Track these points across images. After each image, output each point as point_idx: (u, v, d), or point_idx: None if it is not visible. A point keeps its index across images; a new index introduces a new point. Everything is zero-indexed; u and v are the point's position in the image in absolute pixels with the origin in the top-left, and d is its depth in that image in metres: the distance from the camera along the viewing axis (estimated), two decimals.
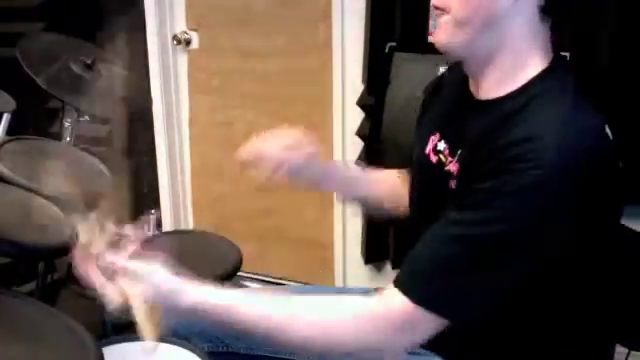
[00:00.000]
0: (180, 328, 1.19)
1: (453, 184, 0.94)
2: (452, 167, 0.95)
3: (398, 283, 0.89)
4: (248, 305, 0.93)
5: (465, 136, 0.95)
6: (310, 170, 1.19)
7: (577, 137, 0.84)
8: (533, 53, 0.92)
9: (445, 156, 1.00)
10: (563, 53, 0.98)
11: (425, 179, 1.06)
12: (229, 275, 1.68)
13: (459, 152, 0.95)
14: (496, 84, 0.93)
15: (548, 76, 0.91)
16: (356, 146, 2.18)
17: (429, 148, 1.05)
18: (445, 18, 0.92)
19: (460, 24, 0.91)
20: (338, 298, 0.97)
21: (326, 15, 2.20)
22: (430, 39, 1.67)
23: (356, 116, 2.15)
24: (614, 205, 0.92)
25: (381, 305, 0.89)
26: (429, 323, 0.87)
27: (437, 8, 0.93)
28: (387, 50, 1.96)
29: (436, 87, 1.17)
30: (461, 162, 0.94)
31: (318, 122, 2.34)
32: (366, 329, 0.89)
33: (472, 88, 1.00)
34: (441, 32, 0.93)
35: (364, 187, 1.28)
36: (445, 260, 0.87)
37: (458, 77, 1.05)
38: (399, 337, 0.89)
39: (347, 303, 0.93)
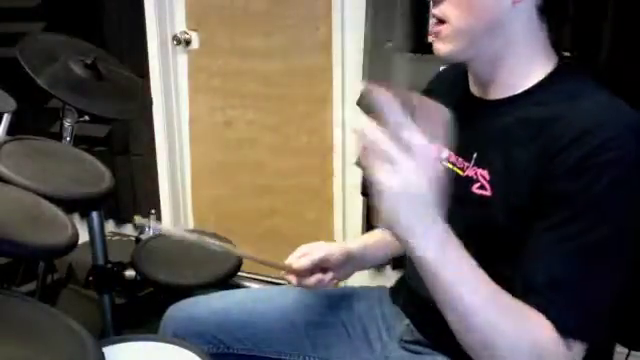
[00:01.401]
0: (180, 329, 1.20)
1: (480, 189, 0.92)
2: (472, 172, 0.95)
3: (564, 326, 0.81)
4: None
5: (480, 139, 0.95)
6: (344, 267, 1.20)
7: (628, 113, 0.85)
8: (538, 51, 0.93)
9: (453, 163, 0.99)
10: (565, 53, 0.98)
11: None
12: (229, 275, 1.68)
13: (475, 156, 0.95)
14: (506, 84, 0.94)
15: (563, 73, 0.92)
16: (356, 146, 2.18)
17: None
18: (446, 28, 0.92)
19: (461, 33, 0.91)
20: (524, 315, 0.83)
21: (326, 15, 2.20)
22: (430, 39, 1.67)
23: (356, 116, 2.15)
24: None
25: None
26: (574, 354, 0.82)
27: (436, 18, 0.93)
28: (387, 50, 1.96)
29: (427, 93, 1.17)
30: (489, 165, 0.92)
31: (318, 122, 2.34)
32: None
33: (476, 90, 1.00)
34: (442, 42, 0.93)
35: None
36: (581, 280, 0.82)
37: (455, 81, 1.05)
38: None
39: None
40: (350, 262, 1.20)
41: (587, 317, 0.82)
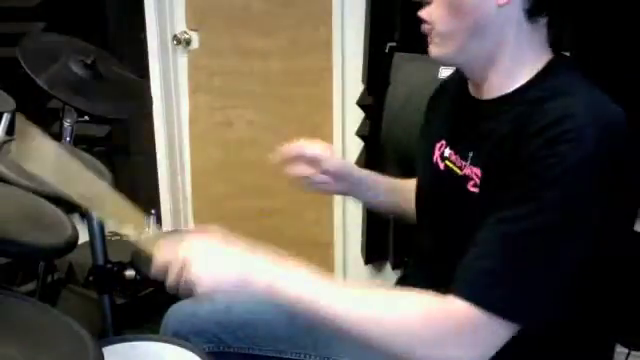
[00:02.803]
0: (180, 328, 1.20)
1: (474, 187, 0.93)
2: (468, 171, 0.95)
3: (459, 291, 0.84)
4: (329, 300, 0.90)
5: (475, 138, 0.95)
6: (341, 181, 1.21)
7: (607, 113, 0.85)
8: (530, 51, 0.93)
9: (453, 162, 1.00)
10: (564, 53, 0.98)
11: (437, 188, 1.05)
12: None
13: (471, 155, 0.95)
14: (499, 84, 0.94)
15: (554, 71, 0.92)
16: (356, 146, 2.18)
17: (436, 156, 1.05)
18: (433, 31, 0.94)
19: (446, 36, 0.93)
20: (399, 295, 0.90)
21: (326, 15, 2.20)
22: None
23: (356, 116, 2.15)
24: (635, 194, 0.91)
25: (441, 307, 0.85)
26: (495, 331, 0.83)
27: (424, 21, 0.94)
28: (387, 50, 1.96)
29: (435, 97, 1.18)
30: (482, 164, 0.92)
31: (318, 122, 2.34)
32: (426, 329, 0.85)
33: (472, 91, 1.01)
34: (434, 45, 0.95)
35: (399, 195, 1.26)
36: (503, 261, 0.83)
37: (456, 83, 1.06)
38: (458, 344, 0.84)
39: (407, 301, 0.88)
40: (347, 179, 1.21)
41: (514, 296, 0.83)
